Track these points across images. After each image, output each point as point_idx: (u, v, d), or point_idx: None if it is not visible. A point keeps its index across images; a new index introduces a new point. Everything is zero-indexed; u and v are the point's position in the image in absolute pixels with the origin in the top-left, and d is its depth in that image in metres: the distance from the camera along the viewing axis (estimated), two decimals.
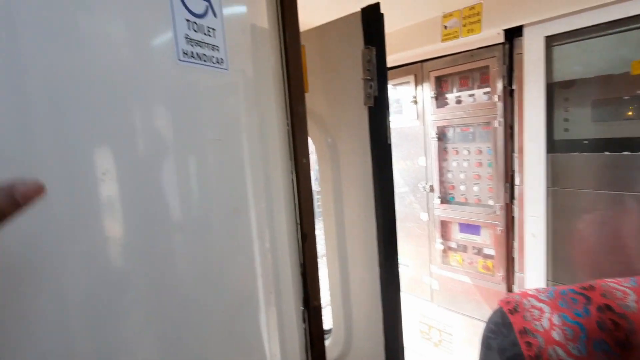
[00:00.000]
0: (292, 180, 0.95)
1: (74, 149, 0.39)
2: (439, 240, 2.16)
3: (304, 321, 0.95)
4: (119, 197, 0.41)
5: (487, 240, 1.98)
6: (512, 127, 1.81)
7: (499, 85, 1.81)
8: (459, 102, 2.00)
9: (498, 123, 1.83)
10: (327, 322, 1.45)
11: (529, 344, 0.73)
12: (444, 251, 2.16)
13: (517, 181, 1.80)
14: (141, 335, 0.48)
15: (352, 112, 1.18)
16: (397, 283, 1.19)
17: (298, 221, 0.97)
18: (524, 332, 0.76)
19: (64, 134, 0.38)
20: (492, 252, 1.96)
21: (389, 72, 2.24)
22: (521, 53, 1.72)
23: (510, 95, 1.80)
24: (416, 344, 2.38)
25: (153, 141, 0.45)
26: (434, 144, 2.11)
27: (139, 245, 0.45)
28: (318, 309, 1.03)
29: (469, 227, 2.05)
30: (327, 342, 1.39)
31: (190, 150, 0.48)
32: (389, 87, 2.30)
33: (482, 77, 1.93)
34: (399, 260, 2.38)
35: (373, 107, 1.11)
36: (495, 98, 1.83)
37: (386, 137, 1.12)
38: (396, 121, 2.29)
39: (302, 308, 0.95)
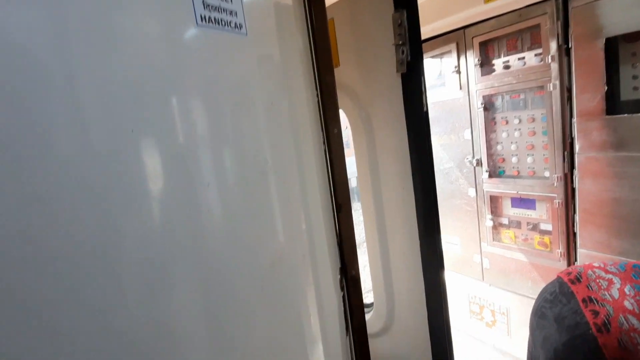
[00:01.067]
0: (325, 151, 0.96)
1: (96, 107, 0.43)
2: (488, 216, 2.04)
3: (342, 289, 0.96)
4: (149, 156, 0.45)
5: (544, 214, 1.84)
6: (569, 90, 1.64)
7: (553, 45, 1.64)
8: (507, 67, 1.85)
9: (553, 86, 1.67)
10: (370, 298, 1.46)
11: (595, 312, 0.68)
12: (495, 228, 2.05)
13: (576, 148, 1.63)
14: (177, 295, 0.53)
15: (385, 82, 1.15)
16: (440, 257, 1.15)
17: (332, 192, 0.98)
18: (589, 301, 0.71)
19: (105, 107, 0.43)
20: (549, 227, 1.81)
21: (428, 43, 2.13)
22: (577, 6, 1.54)
23: (566, 54, 1.63)
24: (467, 325, 2.30)
25: (180, 106, 0.48)
26: (480, 115, 1.99)
27: (176, 201, 0.49)
28: (356, 278, 1.04)
29: (523, 202, 1.91)
30: (368, 316, 1.40)
31: (211, 112, 0.51)
32: (429, 59, 2.20)
33: (532, 38, 1.76)
34: (447, 239, 2.31)
35: (406, 73, 1.07)
36: (549, 59, 1.66)
37: (422, 104, 1.08)
38: (438, 95, 2.19)
39: (339, 276, 0.97)
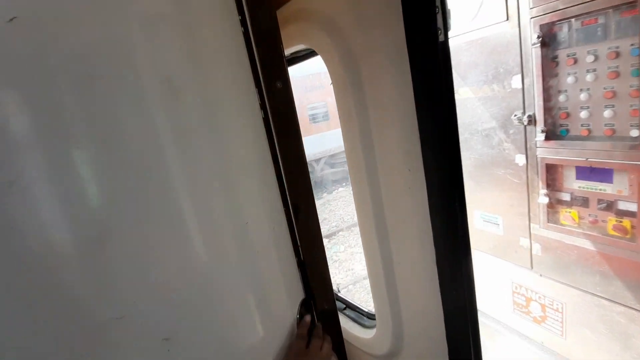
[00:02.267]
0: (267, 117, 0.58)
1: None
2: (543, 191, 1.57)
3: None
4: None
5: (625, 189, 1.35)
6: None
7: None
8: None
9: None
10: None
11: None
12: (551, 206, 1.58)
13: None
14: None
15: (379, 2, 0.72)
16: (466, 254, 0.76)
17: (282, 186, 0.61)
18: None
19: None
20: (631, 206, 1.33)
21: None
22: None
23: None
24: (509, 318, 1.92)
25: None
26: (535, 53, 1.46)
27: None
28: (331, 312, 0.70)
29: (594, 172, 1.42)
30: (372, 333, 1.07)
31: None
32: None
33: None
34: (486, 218, 1.88)
35: None
36: None
37: (436, 29, 0.64)
38: (475, 30, 1.66)
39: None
